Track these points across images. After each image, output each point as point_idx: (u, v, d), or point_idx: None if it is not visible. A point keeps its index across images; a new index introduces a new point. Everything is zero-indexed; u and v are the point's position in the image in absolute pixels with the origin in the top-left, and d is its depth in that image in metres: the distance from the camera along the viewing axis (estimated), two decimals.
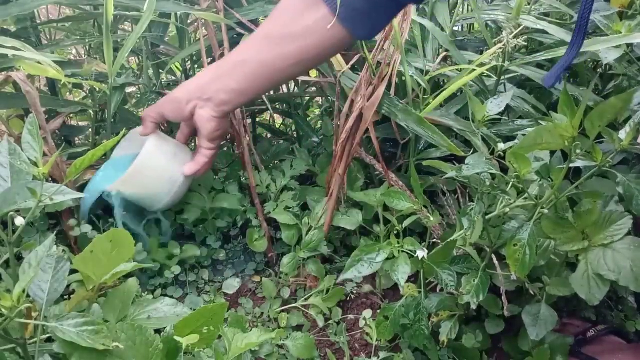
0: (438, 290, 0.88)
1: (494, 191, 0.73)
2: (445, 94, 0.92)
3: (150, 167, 0.91)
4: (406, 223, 0.89)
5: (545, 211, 0.68)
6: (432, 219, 0.81)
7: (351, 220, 1.03)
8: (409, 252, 0.78)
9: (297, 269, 1.04)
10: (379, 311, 0.96)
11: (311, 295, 1.01)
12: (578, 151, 0.61)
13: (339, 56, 0.98)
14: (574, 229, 0.70)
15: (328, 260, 1.09)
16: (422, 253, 0.76)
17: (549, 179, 0.71)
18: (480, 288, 0.76)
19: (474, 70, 0.91)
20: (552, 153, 0.79)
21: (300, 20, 0.77)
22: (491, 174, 0.71)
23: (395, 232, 0.86)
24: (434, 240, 0.89)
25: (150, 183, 0.93)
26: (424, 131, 0.91)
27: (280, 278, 1.06)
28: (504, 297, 0.81)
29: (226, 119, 0.90)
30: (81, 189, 0.98)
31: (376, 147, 0.98)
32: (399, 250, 0.78)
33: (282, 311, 1.01)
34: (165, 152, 0.93)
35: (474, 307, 0.77)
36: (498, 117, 0.91)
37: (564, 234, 0.70)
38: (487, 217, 0.75)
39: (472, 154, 0.81)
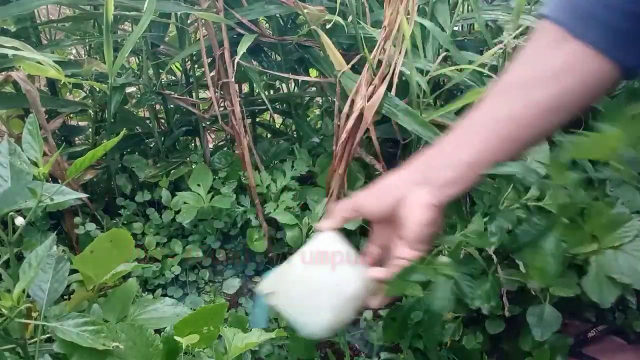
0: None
1: (493, 192, 0.72)
2: (458, 104, 0.92)
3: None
4: None
5: (566, 221, 0.67)
6: None
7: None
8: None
9: None
10: (380, 311, 0.96)
11: None
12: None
13: (339, 56, 0.98)
14: (584, 232, 0.69)
15: None
16: None
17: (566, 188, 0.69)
18: (492, 293, 0.75)
19: (475, 70, 0.91)
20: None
21: (547, 62, 0.60)
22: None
23: None
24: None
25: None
26: (425, 132, 0.91)
27: None
28: (504, 298, 0.81)
29: (443, 212, 0.64)
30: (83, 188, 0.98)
31: (376, 147, 0.97)
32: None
33: None
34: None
35: (485, 312, 0.76)
36: None
37: (574, 236, 0.69)
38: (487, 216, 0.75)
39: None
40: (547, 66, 0.60)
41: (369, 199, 0.66)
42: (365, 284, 0.62)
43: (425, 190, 0.61)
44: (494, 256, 0.79)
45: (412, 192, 0.62)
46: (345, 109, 0.95)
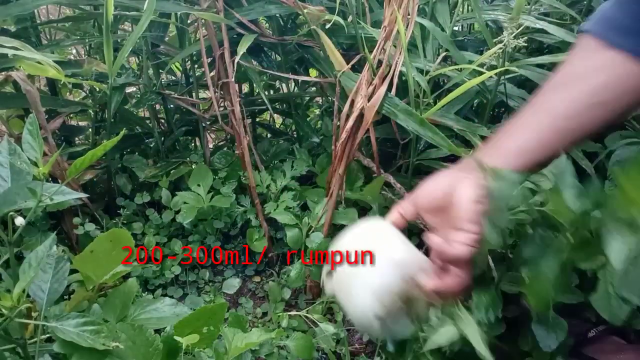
0: None
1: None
2: (450, 97, 0.92)
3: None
4: None
5: (570, 239, 0.66)
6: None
7: (350, 217, 1.03)
8: None
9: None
10: None
11: (314, 304, 1.02)
12: None
13: (338, 56, 0.98)
14: (593, 245, 0.68)
15: None
16: None
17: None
18: (491, 305, 0.74)
19: (475, 69, 0.91)
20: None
21: (585, 64, 0.66)
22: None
23: None
24: None
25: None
26: (424, 132, 0.91)
27: (281, 279, 1.06)
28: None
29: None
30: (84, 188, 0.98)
31: (374, 147, 0.97)
32: None
33: (284, 311, 1.01)
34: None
35: (484, 322, 0.75)
36: (498, 117, 0.91)
37: (583, 250, 0.67)
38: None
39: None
40: (586, 67, 0.66)
41: (423, 190, 0.69)
42: (412, 272, 0.63)
43: (474, 178, 0.64)
44: (492, 264, 0.78)
45: (463, 179, 0.64)
46: (345, 108, 0.95)
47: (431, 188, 0.68)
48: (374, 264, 0.62)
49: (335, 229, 1.08)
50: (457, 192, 0.64)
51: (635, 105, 0.69)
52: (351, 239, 0.66)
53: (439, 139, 0.90)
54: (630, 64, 0.63)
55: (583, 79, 0.66)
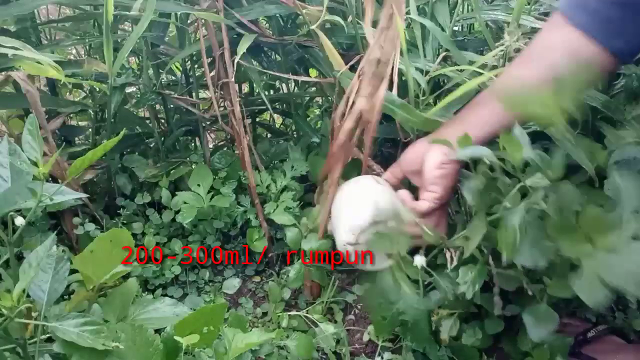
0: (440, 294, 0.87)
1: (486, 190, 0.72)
2: (451, 98, 0.92)
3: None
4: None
5: (544, 205, 0.67)
6: (431, 234, 0.80)
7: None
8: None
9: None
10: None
11: (314, 304, 1.02)
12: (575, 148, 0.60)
13: (337, 56, 0.98)
14: (578, 233, 0.69)
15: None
16: (420, 260, 0.76)
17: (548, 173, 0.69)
18: (477, 279, 0.77)
19: (475, 71, 0.90)
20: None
21: (544, 40, 0.71)
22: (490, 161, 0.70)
23: None
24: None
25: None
26: (424, 128, 0.91)
27: (281, 279, 1.06)
28: (496, 298, 0.80)
29: (457, 167, 0.77)
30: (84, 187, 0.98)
31: (366, 145, 0.96)
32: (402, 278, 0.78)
33: (284, 311, 1.01)
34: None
35: (468, 297, 0.76)
36: None
37: (568, 237, 0.69)
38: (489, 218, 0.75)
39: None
40: (544, 43, 0.71)
41: (405, 156, 0.82)
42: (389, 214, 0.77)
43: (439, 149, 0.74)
44: (484, 249, 0.79)
45: (432, 147, 0.76)
46: (340, 108, 0.94)
47: (411, 154, 0.81)
48: (356, 206, 0.81)
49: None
50: (426, 158, 0.76)
51: (591, 82, 0.77)
52: (348, 187, 0.86)
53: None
54: (587, 44, 0.67)
55: (544, 54, 0.70)
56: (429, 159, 0.76)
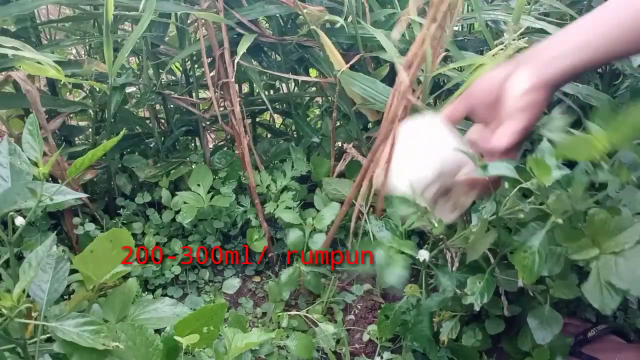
0: (440, 290, 0.88)
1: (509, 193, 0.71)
2: (453, 98, 0.92)
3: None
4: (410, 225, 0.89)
5: (560, 221, 0.67)
6: (436, 226, 0.79)
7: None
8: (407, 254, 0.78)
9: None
10: (379, 311, 0.96)
11: (314, 304, 1.02)
12: (605, 166, 0.60)
13: (338, 56, 0.98)
14: (586, 237, 0.69)
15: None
16: (424, 255, 0.76)
17: (567, 190, 0.69)
18: (486, 290, 0.76)
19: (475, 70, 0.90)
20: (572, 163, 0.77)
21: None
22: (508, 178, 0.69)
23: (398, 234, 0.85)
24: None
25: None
26: None
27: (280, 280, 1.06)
28: (503, 297, 0.81)
29: (547, 94, 0.63)
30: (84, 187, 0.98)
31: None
32: (396, 251, 0.78)
33: (284, 311, 1.01)
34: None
35: (477, 308, 0.76)
36: None
37: (576, 242, 0.69)
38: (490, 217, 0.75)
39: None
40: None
41: (478, 84, 0.68)
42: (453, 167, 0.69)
43: (526, 70, 0.62)
44: (490, 255, 0.79)
45: (515, 71, 0.63)
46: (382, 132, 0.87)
47: (485, 82, 0.67)
48: (419, 158, 0.70)
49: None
50: (508, 85, 0.63)
51: None
52: (406, 134, 0.73)
53: None
54: None
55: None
56: (514, 84, 0.63)
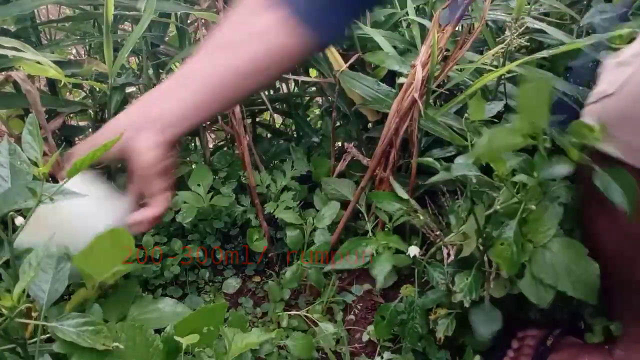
0: (433, 284, 0.87)
1: (480, 188, 0.72)
2: (458, 99, 0.92)
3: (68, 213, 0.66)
4: (396, 221, 0.89)
5: (533, 207, 0.67)
6: (421, 217, 0.80)
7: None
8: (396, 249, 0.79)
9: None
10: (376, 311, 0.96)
11: (314, 304, 1.02)
12: (547, 145, 0.60)
13: (337, 56, 0.98)
14: (524, 235, 0.69)
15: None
16: (414, 251, 0.76)
17: (533, 175, 0.69)
18: (473, 286, 0.76)
19: (475, 70, 0.91)
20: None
21: (250, 25, 0.66)
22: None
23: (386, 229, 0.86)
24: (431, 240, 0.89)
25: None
26: (434, 126, 0.91)
27: (281, 279, 1.06)
28: (487, 299, 0.80)
29: (172, 150, 0.68)
30: None
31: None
32: (384, 247, 0.78)
33: (284, 311, 1.01)
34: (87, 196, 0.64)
35: (467, 305, 0.76)
36: (497, 118, 0.91)
37: (520, 237, 0.69)
38: (480, 214, 0.75)
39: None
40: (249, 29, 0.67)
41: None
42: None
43: (150, 133, 0.65)
44: (477, 250, 0.79)
45: (137, 136, 0.65)
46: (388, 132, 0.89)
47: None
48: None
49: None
50: (135, 155, 0.66)
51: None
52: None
53: (440, 130, 0.90)
54: (294, 30, 0.64)
55: (246, 44, 0.66)
56: (140, 144, 0.65)
